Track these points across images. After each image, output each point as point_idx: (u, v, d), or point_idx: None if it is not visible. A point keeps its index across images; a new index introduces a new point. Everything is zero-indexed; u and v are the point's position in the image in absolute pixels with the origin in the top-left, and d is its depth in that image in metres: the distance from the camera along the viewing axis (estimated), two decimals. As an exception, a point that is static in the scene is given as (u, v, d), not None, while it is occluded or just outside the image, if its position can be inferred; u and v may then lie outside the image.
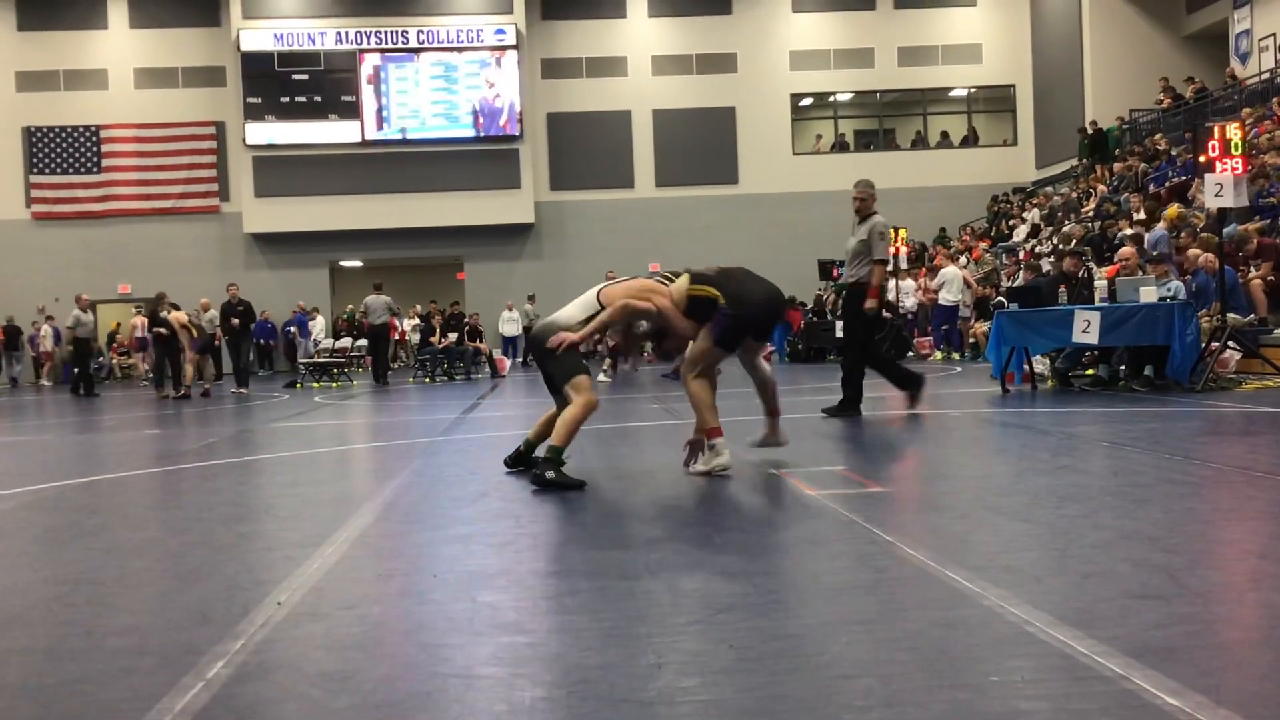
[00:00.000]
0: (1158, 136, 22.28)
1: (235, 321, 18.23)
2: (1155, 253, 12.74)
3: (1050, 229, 22.95)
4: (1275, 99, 20.07)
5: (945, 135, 31.44)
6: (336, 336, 26.00)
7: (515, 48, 28.97)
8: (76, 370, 20.45)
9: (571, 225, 29.99)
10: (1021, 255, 21.81)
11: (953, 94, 31.53)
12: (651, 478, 5.93)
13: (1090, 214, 21.45)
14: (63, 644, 3.07)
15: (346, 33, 28.73)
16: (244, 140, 28.48)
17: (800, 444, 7.09)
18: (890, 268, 22.03)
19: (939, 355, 19.37)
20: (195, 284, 27.16)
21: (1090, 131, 25.67)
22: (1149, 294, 10.05)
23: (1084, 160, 25.93)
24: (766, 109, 30.44)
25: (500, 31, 28.96)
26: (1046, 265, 17.55)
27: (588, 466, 6.46)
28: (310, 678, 2.66)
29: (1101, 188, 22.60)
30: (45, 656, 2.96)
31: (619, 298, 5.85)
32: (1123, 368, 10.75)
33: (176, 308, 17.94)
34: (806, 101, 31.20)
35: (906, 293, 21.52)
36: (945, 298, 19.42)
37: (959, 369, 15.87)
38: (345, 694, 2.53)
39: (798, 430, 8.03)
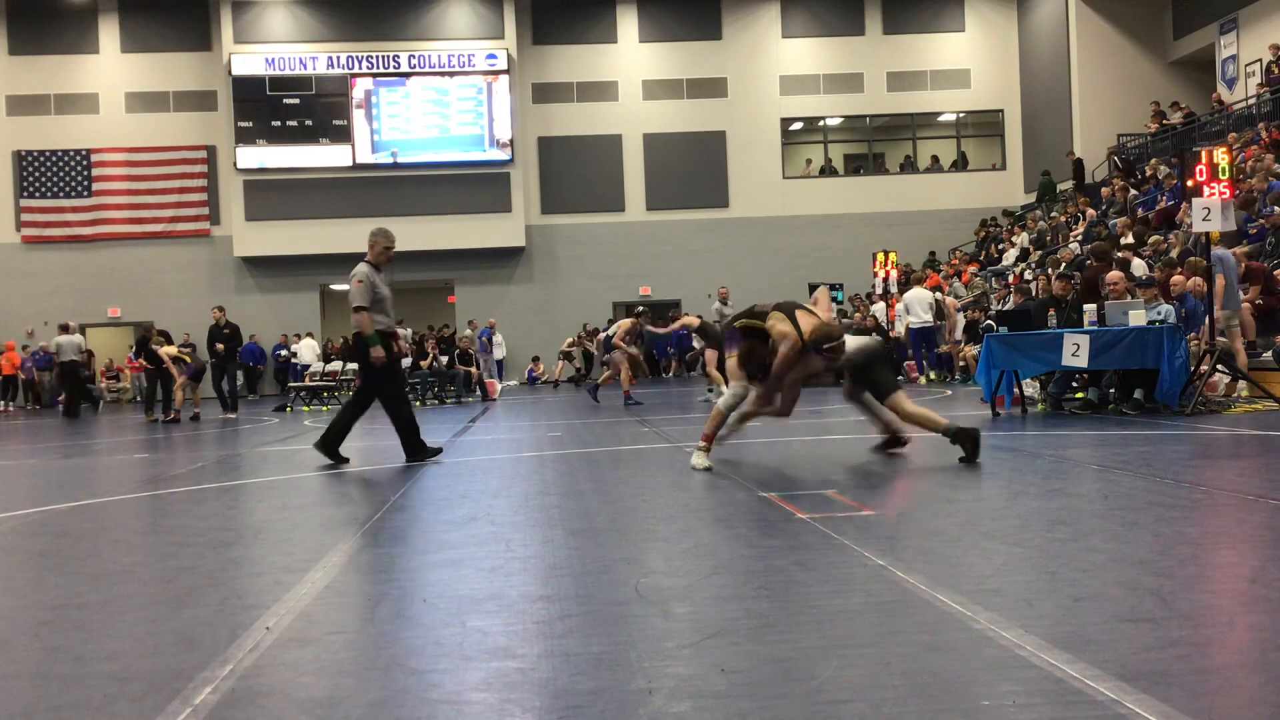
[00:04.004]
0: (1154, 161, 22.40)
1: (220, 347, 18.07)
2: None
3: (1040, 253, 23.06)
4: (1262, 124, 20.22)
5: (935, 159, 31.61)
6: (327, 360, 25.95)
7: (506, 72, 29.11)
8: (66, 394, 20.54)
9: (562, 249, 30.05)
10: (1010, 279, 21.88)
11: (942, 119, 31.71)
12: (642, 501, 5.92)
13: (1079, 236, 21.55)
14: (50, 670, 3.05)
15: (338, 57, 28.82)
16: (235, 164, 28.52)
17: (790, 467, 7.10)
18: (881, 291, 22.32)
19: (923, 379, 19.39)
20: (185, 307, 27.17)
21: (1071, 163, 26.02)
22: (1138, 317, 10.09)
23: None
24: (757, 133, 30.57)
25: (492, 56, 29.11)
26: (1032, 288, 17.58)
27: (578, 489, 6.46)
28: (299, 703, 2.64)
29: (1091, 212, 22.71)
30: (32, 682, 2.94)
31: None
32: (1112, 391, 10.77)
33: (168, 339, 17.84)
34: (796, 126, 31.35)
35: (901, 315, 21.52)
36: (912, 321, 19.51)
37: (949, 391, 15.90)
38: (334, 720, 2.52)
39: (787, 453, 8.04)
